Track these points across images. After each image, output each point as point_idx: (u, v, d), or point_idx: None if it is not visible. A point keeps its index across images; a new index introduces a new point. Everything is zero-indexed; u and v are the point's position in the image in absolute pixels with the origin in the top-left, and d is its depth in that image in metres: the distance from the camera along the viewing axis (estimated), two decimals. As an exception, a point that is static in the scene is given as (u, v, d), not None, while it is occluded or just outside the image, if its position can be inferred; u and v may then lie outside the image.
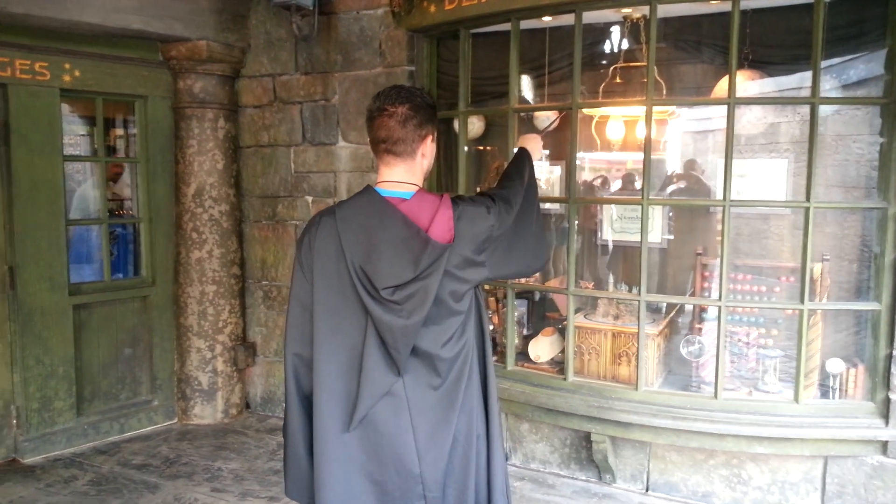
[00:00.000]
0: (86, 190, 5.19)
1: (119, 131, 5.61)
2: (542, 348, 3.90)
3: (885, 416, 3.20)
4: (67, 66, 4.09)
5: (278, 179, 4.66)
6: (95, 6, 3.87)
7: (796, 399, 3.29)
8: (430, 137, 1.99)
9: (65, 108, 4.68)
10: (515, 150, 2.40)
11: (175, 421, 4.71)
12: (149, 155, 4.53)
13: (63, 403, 4.18)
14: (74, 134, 5.72)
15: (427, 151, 1.99)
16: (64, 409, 4.19)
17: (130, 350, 4.55)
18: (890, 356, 3.19)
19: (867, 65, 3.47)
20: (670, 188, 4.51)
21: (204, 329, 4.60)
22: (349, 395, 1.91)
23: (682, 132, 4.78)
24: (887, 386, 3.20)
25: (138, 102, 4.49)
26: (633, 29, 3.92)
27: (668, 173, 4.64)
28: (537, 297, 4.31)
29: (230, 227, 4.67)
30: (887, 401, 3.20)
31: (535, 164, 2.42)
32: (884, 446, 3.20)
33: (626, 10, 3.67)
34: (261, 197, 4.74)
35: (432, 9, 3.82)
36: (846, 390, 3.37)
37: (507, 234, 2.03)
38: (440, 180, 4.25)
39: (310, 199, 4.56)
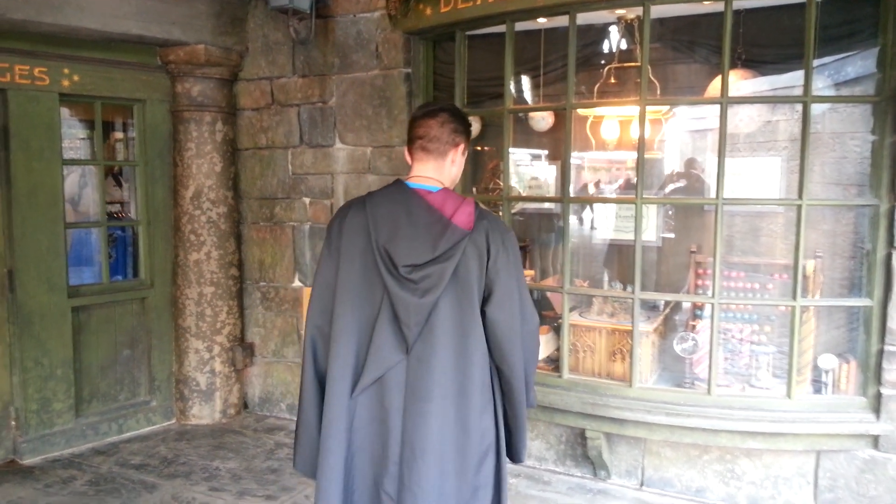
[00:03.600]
0: (86, 193, 5.23)
1: (118, 135, 5.65)
2: (538, 347, 3.91)
3: (877, 411, 3.23)
4: (66, 70, 4.12)
5: (276, 181, 4.69)
6: (94, 12, 3.91)
7: (789, 395, 3.31)
8: (461, 147, 2.16)
9: (64, 112, 4.72)
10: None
11: (173, 421, 4.73)
12: (147, 158, 4.56)
13: (62, 405, 4.21)
14: (74, 138, 5.77)
15: (457, 159, 2.15)
16: (63, 410, 4.21)
17: (129, 351, 4.57)
18: (881, 352, 3.21)
19: (863, 62, 3.49)
20: (670, 187, 4.54)
21: (202, 330, 4.63)
22: (360, 366, 2.03)
23: (682, 131, 4.81)
24: (879, 381, 3.22)
25: (137, 106, 4.52)
26: (627, 29, 3.96)
27: (669, 172, 4.67)
28: (533, 295, 4.33)
29: (228, 229, 4.71)
30: (879, 396, 3.22)
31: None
32: (875, 440, 3.23)
33: (620, 11, 3.70)
34: (259, 199, 4.77)
35: (428, 11, 3.85)
36: (839, 386, 3.39)
37: (517, 275, 2.06)
38: (436, 181, 4.27)
39: (307, 200, 4.59)
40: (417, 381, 1.99)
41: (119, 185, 5.73)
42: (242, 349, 4.78)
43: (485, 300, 2.02)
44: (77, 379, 4.29)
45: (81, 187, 5.55)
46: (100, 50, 4.21)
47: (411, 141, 2.13)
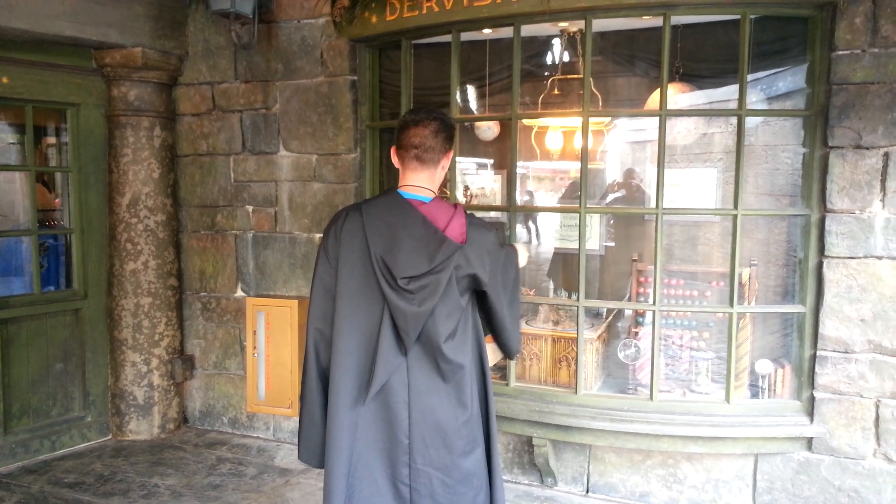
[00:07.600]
0: (16, 200, 5.01)
1: (51, 140, 5.44)
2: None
3: (811, 414, 3.35)
4: (-6, 72, 3.96)
5: (217, 189, 4.59)
6: (24, 11, 3.75)
7: (728, 399, 3.41)
8: (450, 153, 2.27)
9: (-8, 115, 4.52)
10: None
11: (109, 437, 4.56)
12: (81, 164, 4.40)
13: (-11, 422, 4.01)
14: (3, 142, 5.52)
15: (445, 164, 2.27)
16: (-11, 427, 4.02)
17: (62, 365, 4.39)
18: (814, 356, 3.33)
19: (793, 78, 3.63)
20: (610, 196, 4.63)
21: (139, 342, 4.48)
22: (361, 371, 2.16)
23: (622, 142, 4.91)
24: (812, 385, 3.34)
25: (71, 110, 4.36)
26: (570, 42, 4.03)
27: (609, 182, 4.76)
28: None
29: (167, 238, 4.57)
30: (812, 399, 3.34)
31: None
32: (809, 442, 3.35)
33: (563, 24, 3.76)
34: (199, 207, 4.66)
35: (374, 19, 3.84)
36: (774, 390, 3.50)
37: (502, 275, 2.27)
38: (383, 187, 4.25)
39: (250, 208, 4.50)
40: (419, 378, 2.15)
41: (50, 190, 5.51)
42: (182, 362, 4.64)
43: (481, 293, 2.24)
44: (6, 394, 4.09)
45: (11, 194, 5.31)
46: (32, 51, 4.05)
47: (404, 148, 2.20)
